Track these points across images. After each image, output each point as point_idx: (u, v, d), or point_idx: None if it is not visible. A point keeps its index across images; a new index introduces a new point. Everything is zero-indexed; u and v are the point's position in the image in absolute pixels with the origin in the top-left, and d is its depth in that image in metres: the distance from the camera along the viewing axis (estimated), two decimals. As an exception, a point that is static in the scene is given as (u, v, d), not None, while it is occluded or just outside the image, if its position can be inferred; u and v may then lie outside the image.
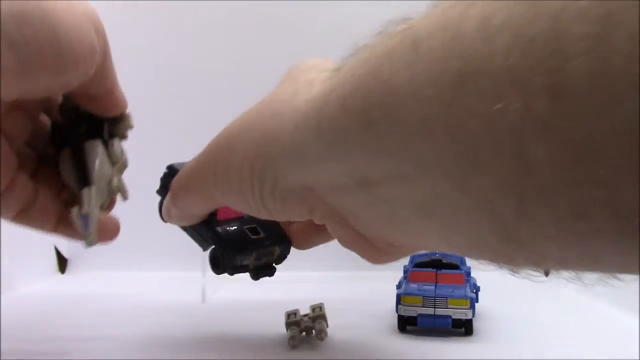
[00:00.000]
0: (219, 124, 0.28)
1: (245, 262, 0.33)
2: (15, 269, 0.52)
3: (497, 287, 0.47)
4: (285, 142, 0.23)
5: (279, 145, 0.23)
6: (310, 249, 0.35)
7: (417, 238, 0.23)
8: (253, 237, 0.34)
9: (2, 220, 0.30)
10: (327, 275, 0.56)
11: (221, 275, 0.33)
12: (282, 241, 0.34)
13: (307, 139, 0.22)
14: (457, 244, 0.20)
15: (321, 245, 0.34)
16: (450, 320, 0.38)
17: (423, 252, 0.43)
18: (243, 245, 0.33)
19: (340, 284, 0.54)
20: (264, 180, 0.25)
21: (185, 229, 0.34)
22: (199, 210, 0.31)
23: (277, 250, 0.34)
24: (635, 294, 0.41)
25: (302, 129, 0.22)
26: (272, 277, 0.35)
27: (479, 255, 0.19)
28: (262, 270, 0.34)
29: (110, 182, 0.30)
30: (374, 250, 0.26)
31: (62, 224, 0.31)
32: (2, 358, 0.33)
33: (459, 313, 0.38)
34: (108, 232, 0.31)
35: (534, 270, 0.19)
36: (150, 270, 0.58)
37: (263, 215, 0.27)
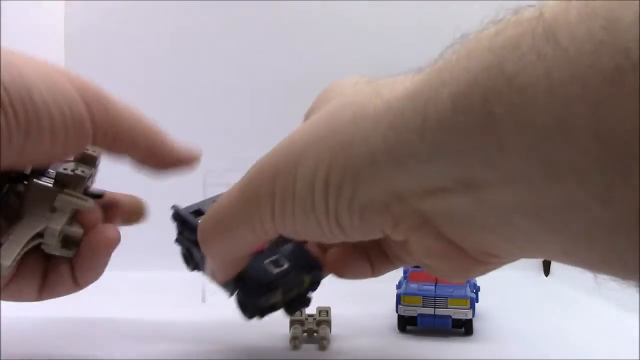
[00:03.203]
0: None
1: (272, 301, 0.30)
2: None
3: (497, 287, 0.47)
4: (376, 144, 0.20)
5: (366, 150, 0.21)
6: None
7: (529, 249, 0.21)
8: (276, 271, 0.30)
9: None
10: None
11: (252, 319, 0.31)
12: (311, 267, 0.31)
13: (405, 139, 0.20)
14: (583, 259, 0.18)
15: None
16: (450, 320, 0.38)
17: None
18: (265, 284, 0.30)
19: (341, 283, 0.54)
20: (341, 193, 0.22)
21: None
22: (244, 248, 0.28)
23: (306, 279, 0.31)
24: (635, 294, 0.41)
25: (400, 128, 0.20)
26: None
27: (607, 271, 0.18)
28: (295, 303, 0.31)
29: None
30: (467, 262, 0.23)
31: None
32: (2, 358, 0.33)
33: (459, 313, 0.38)
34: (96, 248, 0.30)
35: None
36: (150, 270, 0.58)
37: (335, 236, 0.24)
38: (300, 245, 0.32)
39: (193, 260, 0.33)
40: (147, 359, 0.34)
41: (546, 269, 0.61)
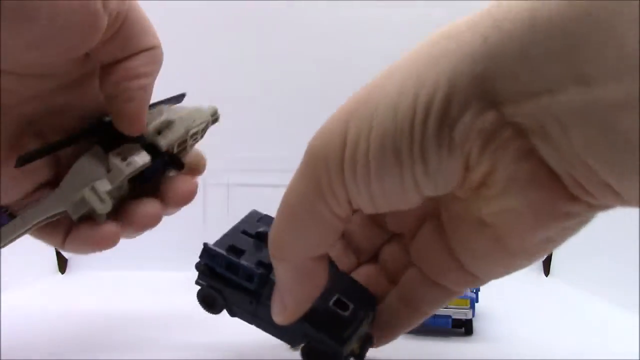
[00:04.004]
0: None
1: (352, 348, 0.28)
2: (15, 269, 0.51)
3: (497, 287, 0.47)
4: (476, 48, 0.19)
5: (463, 55, 0.19)
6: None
7: (629, 175, 0.18)
8: (345, 313, 0.28)
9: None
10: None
11: None
12: (370, 302, 0.29)
13: (512, 35, 0.18)
14: None
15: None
16: (450, 320, 0.38)
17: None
18: (344, 329, 0.27)
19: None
20: (430, 110, 0.20)
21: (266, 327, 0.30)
22: (320, 241, 0.25)
23: (370, 315, 0.29)
24: (635, 293, 0.41)
25: (505, 25, 0.18)
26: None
27: None
28: (366, 345, 0.29)
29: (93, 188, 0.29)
30: (556, 194, 0.21)
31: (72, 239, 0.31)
32: (2, 358, 0.33)
33: (459, 313, 0.38)
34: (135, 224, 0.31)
35: None
36: (150, 270, 0.58)
37: (415, 182, 0.21)
38: (350, 277, 0.30)
39: (221, 300, 0.32)
40: (146, 359, 0.34)
41: (546, 269, 0.61)
